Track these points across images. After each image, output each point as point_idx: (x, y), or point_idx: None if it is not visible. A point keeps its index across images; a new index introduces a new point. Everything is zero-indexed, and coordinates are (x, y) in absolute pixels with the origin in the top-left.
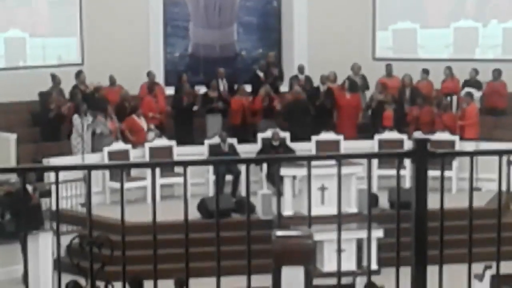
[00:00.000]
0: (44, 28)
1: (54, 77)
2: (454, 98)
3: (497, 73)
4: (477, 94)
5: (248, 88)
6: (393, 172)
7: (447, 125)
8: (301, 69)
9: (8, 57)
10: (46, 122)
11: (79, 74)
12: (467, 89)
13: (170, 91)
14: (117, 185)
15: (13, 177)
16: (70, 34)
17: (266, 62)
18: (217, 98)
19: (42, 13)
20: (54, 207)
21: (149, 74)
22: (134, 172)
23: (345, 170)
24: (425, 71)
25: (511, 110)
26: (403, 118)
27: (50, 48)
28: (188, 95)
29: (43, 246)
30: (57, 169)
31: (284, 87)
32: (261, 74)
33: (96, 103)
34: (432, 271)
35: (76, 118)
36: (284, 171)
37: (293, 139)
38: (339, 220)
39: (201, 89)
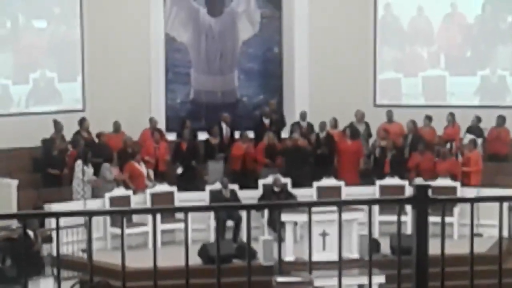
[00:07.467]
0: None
1: (56, 123)
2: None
3: (501, 119)
4: (478, 140)
5: (251, 134)
6: (394, 218)
7: (450, 171)
8: (303, 115)
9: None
10: (49, 167)
11: (82, 122)
12: (468, 136)
13: (171, 137)
14: (118, 230)
15: (14, 223)
16: (72, 80)
17: (270, 109)
18: (218, 145)
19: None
20: (55, 253)
21: (151, 120)
22: (135, 218)
23: (346, 216)
24: (428, 118)
25: None
26: (404, 164)
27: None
28: (188, 143)
29: None
30: (58, 215)
31: (284, 133)
32: (266, 121)
33: (100, 150)
34: None
35: (78, 165)
36: (285, 217)
37: (295, 185)
38: (340, 266)
39: (203, 135)
